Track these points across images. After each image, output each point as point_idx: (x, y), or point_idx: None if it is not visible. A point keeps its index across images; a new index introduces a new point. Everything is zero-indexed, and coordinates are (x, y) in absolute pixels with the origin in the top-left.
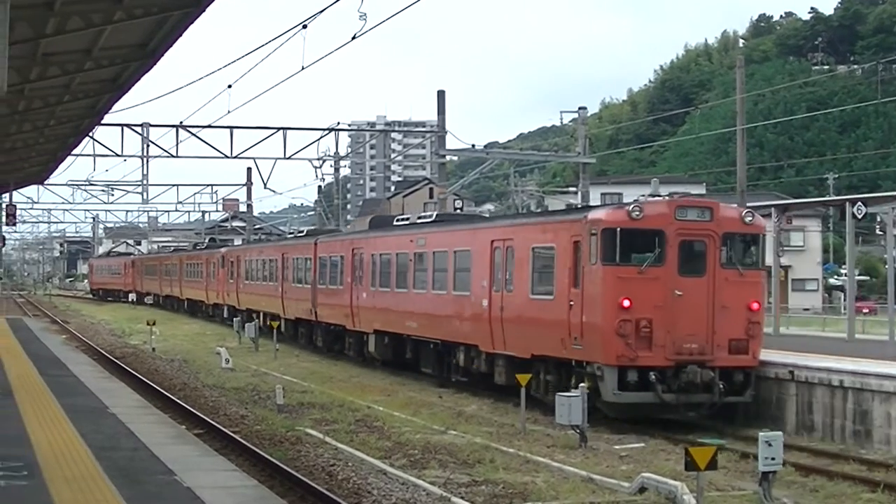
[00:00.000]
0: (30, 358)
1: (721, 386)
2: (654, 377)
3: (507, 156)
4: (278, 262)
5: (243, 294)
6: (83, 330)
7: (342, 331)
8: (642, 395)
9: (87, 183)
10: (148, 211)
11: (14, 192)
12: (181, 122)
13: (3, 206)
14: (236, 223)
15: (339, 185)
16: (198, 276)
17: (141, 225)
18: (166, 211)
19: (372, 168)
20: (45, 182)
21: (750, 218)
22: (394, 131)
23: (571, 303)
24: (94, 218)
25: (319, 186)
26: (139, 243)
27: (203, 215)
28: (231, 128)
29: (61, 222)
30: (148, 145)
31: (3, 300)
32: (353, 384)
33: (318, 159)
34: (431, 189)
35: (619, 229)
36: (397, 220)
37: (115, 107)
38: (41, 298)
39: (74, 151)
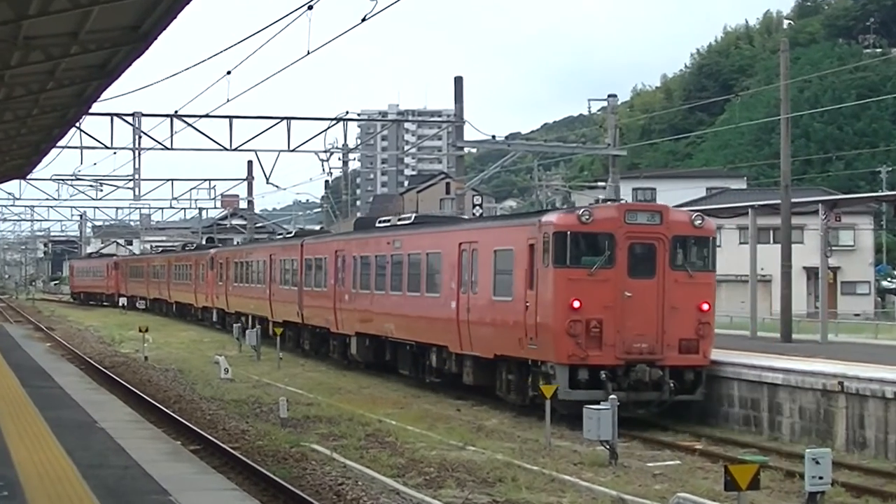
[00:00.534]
0: (11, 368)
1: (672, 384)
2: (604, 376)
3: (531, 148)
4: (266, 264)
5: (232, 297)
6: (69, 337)
7: (327, 333)
8: (592, 393)
9: (73, 178)
10: (140, 208)
11: None
12: (176, 112)
13: None
14: (236, 221)
15: (347, 180)
16: (186, 279)
17: (132, 223)
18: (160, 208)
19: (383, 161)
20: (28, 177)
21: (699, 221)
22: (407, 121)
23: (527, 304)
24: (81, 216)
25: (327, 181)
26: (130, 243)
27: (200, 213)
28: (230, 117)
29: (45, 220)
30: (140, 137)
31: None
32: (364, 396)
33: (325, 152)
34: (448, 184)
35: (569, 233)
36: (379, 222)
37: (105, 95)
38: (24, 303)
39: (60, 143)
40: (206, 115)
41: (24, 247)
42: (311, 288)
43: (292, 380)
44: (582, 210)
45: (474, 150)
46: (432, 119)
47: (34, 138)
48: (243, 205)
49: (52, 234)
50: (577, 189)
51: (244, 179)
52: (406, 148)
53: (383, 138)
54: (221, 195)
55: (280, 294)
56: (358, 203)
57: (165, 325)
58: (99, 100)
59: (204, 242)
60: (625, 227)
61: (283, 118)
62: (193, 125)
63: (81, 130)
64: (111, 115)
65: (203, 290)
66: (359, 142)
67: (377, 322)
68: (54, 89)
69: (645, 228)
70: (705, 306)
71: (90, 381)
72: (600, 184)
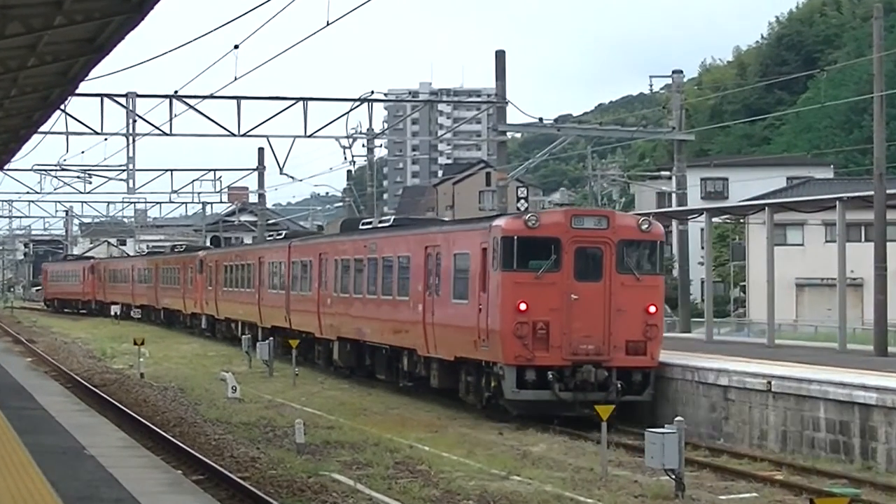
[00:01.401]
0: None
1: (619, 385)
2: (551, 376)
3: (583, 132)
4: (255, 267)
5: (222, 302)
6: (53, 351)
7: (313, 339)
8: (539, 393)
9: (58, 168)
10: (135, 202)
11: None
12: (176, 92)
13: None
14: (245, 217)
15: (373, 170)
16: (174, 283)
17: (126, 220)
18: (158, 203)
19: (414, 148)
20: (6, 167)
21: (647, 226)
22: (441, 102)
23: (480, 307)
24: (66, 211)
25: (349, 171)
26: (124, 243)
27: (204, 208)
28: (238, 98)
29: (26, 217)
30: (134, 121)
31: None
32: (392, 417)
33: (348, 137)
34: (488, 174)
35: (516, 237)
36: (362, 225)
37: (94, 73)
38: (1, 312)
39: (42, 129)
40: (211, 96)
41: (0, 247)
42: (298, 292)
43: (310, 399)
44: (529, 215)
45: (518, 135)
46: (470, 100)
47: (12, 123)
48: (253, 199)
49: (34, 232)
50: (637, 179)
51: (254, 169)
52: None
53: (414, 122)
54: (228, 188)
55: (268, 298)
56: (385, 196)
57: (164, 337)
58: (87, 78)
59: (209, 242)
60: (571, 231)
61: (298, 99)
62: (196, 107)
63: (67, 114)
64: (101, 95)
65: (192, 295)
66: (386, 126)
67: (356, 326)
68: (35, 66)
69: (591, 233)
70: (653, 308)
71: (77, 401)
72: (664, 173)
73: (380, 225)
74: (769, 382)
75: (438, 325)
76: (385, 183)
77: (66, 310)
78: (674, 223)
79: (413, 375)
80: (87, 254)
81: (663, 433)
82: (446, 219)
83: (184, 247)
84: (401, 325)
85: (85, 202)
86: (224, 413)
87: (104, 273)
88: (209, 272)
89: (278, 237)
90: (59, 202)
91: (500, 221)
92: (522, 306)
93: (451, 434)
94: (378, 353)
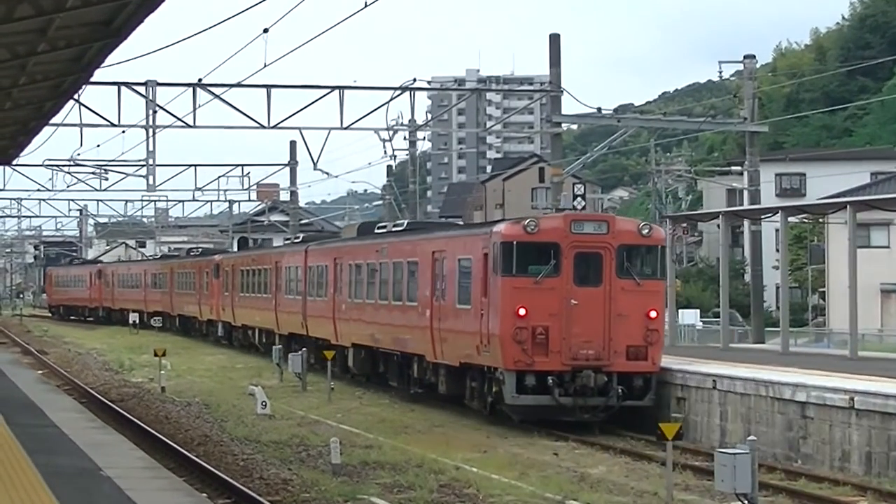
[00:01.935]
0: None
1: (620, 390)
2: (551, 381)
3: (646, 123)
4: (272, 272)
5: (239, 308)
6: (66, 363)
7: (329, 345)
8: (539, 398)
9: (71, 163)
10: (155, 201)
11: None
12: (200, 80)
13: None
14: (276, 217)
15: (415, 165)
16: (189, 289)
17: (146, 220)
18: (180, 201)
19: (460, 141)
20: (14, 162)
21: (647, 230)
22: (490, 90)
23: (482, 312)
24: (80, 210)
25: (389, 166)
26: (143, 245)
27: (231, 206)
28: (268, 87)
29: (36, 217)
30: (155, 111)
31: None
32: (436, 436)
33: (388, 129)
34: (541, 169)
35: (515, 242)
36: (377, 229)
37: (110, 59)
38: (9, 320)
39: (53, 120)
40: (238, 85)
41: (8, 250)
42: (314, 298)
43: (346, 416)
44: (528, 220)
45: (574, 127)
46: (521, 88)
47: (21, 114)
48: (285, 196)
49: (45, 233)
50: (705, 175)
51: (285, 165)
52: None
53: (460, 112)
54: (257, 184)
55: (285, 304)
56: (429, 194)
57: (187, 348)
58: (103, 65)
59: (236, 244)
60: (571, 236)
61: (334, 87)
62: (221, 97)
63: (81, 104)
64: (119, 84)
65: (208, 301)
66: (429, 117)
67: (368, 332)
68: (46, 52)
69: (591, 238)
70: (653, 314)
71: (92, 417)
72: (734, 168)
73: (394, 229)
74: (852, 399)
75: (444, 330)
76: (428, 179)
77: (71, 317)
78: (745, 223)
79: (423, 382)
80: (103, 256)
81: (734, 454)
82: (460, 223)
83: (200, 250)
84: (410, 330)
85: (100, 200)
86: (253, 431)
87: (113, 278)
88: (225, 277)
89: (296, 240)
90: (72, 200)
91: (499, 227)
92: (522, 311)
93: (500, 454)
94: (390, 360)
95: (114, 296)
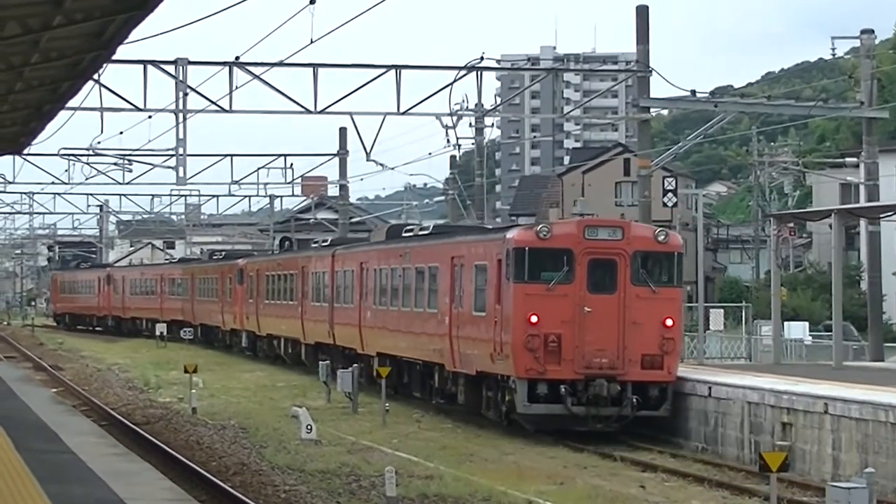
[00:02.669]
0: (0, 424)
1: (634, 400)
2: (564, 390)
3: (747, 108)
4: (298, 277)
5: (264, 317)
6: (84, 380)
7: (355, 355)
8: (551, 407)
9: (90, 152)
10: (186, 195)
11: None
12: (237, 58)
13: None
14: (323, 214)
15: (482, 156)
16: (211, 295)
17: (175, 217)
18: (214, 196)
19: (534, 129)
20: (26, 151)
21: (663, 237)
22: (568, 70)
23: (496, 319)
24: (101, 206)
25: (453, 157)
26: (172, 245)
27: (272, 202)
28: (315, 66)
29: (50, 213)
30: (185, 94)
31: None
32: (505, 465)
33: (451, 115)
34: (627, 161)
35: (527, 249)
36: (404, 232)
37: (135, 34)
38: (18, 331)
39: (70, 104)
40: (281, 63)
41: (19, 251)
42: (341, 304)
43: (403, 441)
44: (540, 226)
45: (665, 112)
46: (604, 68)
47: (34, 96)
48: (333, 191)
49: (60, 232)
50: (815, 168)
51: (334, 155)
52: (566, 109)
53: (534, 95)
54: (302, 178)
55: (312, 312)
56: (497, 188)
57: (222, 364)
58: (127, 42)
59: (277, 244)
60: (584, 242)
61: (390, 67)
62: (261, 77)
63: (101, 85)
64: (144, 62)
65: (231, 308)
66: (499, 101)
67: (392, 340)
68: (62, 26)
69: (605, 244)
70: (669, 322)
71: (114, 442)
72: (849, 160)
73: (420, 233)
74: None
75: (462, 338)
76: (497, 172)
77: (78, 327)
78: (862, 223)
79: (445, 392)
80: (125, 259)
81: (849, 488)
82: (489, 226)
83: (223, 253)
84: (430, 339)
85: (123, 195)
86: (296, 458)
87: (123, 284)
88: (250, 283)
89: (323, 244)
90: (91, 195)
91: (512, 233)
92: (534, 318)
93: (579, 486)
94: (413, 370)
95: (124, 303)
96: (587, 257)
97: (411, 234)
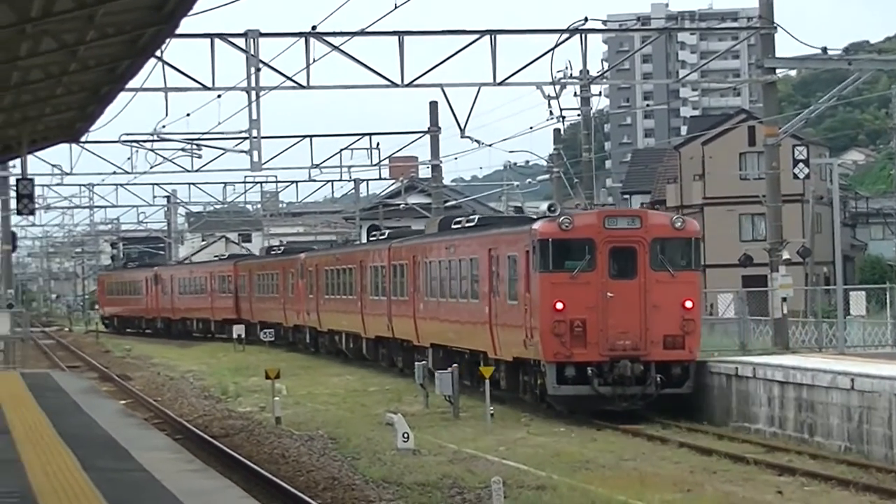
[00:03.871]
0: (65, 441)
1: (658, 379)
2: (590, 371)
3: (885, 66)
4: (357, 271)
5: (324, 312)
6: (155, 390)
7: (412, 348)
8: (579, 388)
9: (154, 138)
10: (262, 182)
11: (30, 159)
12: (314, 28)
13: (12, 182)
14: (415, 198)
15: (590, 128)
16: (272, 292)
17: (250, 207)
18: (293, 182)
19: (647, 96)
20: (83, 140)
21: (680, 223)
22: (683, 30)
23: (526, 307)
24: (168, 197)
25: (557, 131)
26: (248, 238)
27: (357, 187)
28: (401, 33)
29: (112, 206)
30: (258, 69)
31: (19, 343)
32: (625, 472)
33: (554, 84)
34: (752, 129)
35: (550, 240)
36: (453, 224)
37: (200, 5)
38: (81, 338)
39: (130, 85)
40: (362, 32)
41: (79, 249)
42: (398, 297)
43: (511, 449)
44: (563, 217)
45: (793, 73)
46: (723, 26)
47: (90, 78)
48: (425, 172)
49: (124, 227)
50: None
51: (425, 133)
52: (682, 73)
53: (645, 59)
54: (389, 158)
55: (371, 306)
56: (608, 164)
57: (307, 368)
58: (191, 14)
59: (364, 233)
60: (604, 232)
61: (484, 32)
62: (341, 48)
63: (165, 63)
64: (212, 36)
65: (293, 305)
66: (606, 66)
67: (443, 331)
68: None
69: (624, 233)
70: (689, 304)
71: (190, 457)
72: None
73: (466, 224)
74: None
75: (500, 325)
76: (607, 146)
77: (128, 330)
78: None
79: (490, 380)
80: (197, 255)
81: None
82: (534, 216)
83: (282, 248)
84: (473, 327)
85: (193, 184)
86: (393, 470)
87: (172, 283)
88: (310, 278)
89: (381, 237)
90: (157, 185)
91: (537, 225)
92: (559, 305)
93: (709, 493)
94: (461, 359)
95: (174, 304)
96: (608, 246)
97: (459, 226)
